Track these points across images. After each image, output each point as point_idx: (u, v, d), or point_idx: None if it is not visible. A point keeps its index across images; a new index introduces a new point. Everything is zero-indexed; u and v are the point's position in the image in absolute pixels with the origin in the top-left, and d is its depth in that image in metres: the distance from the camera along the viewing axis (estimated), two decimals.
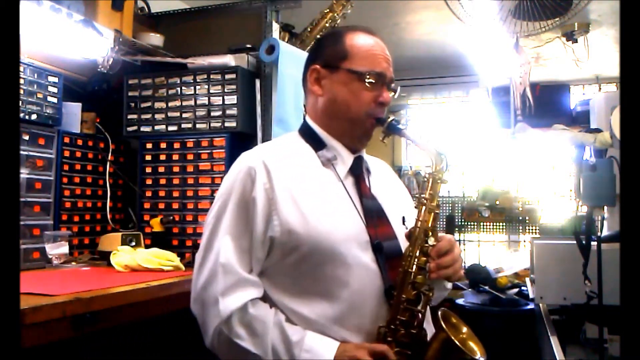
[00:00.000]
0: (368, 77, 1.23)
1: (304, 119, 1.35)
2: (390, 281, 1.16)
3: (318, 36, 2.35)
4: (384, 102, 1.25)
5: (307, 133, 1.31)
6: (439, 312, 1.15)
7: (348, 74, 1.24)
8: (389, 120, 1.24)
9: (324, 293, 1.14)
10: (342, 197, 1.22)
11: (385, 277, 1.16)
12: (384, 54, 1.28)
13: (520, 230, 3.99)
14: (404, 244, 1.23)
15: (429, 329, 1.17)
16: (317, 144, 1.28)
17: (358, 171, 1.28)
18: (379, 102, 1.25)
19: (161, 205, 2.18)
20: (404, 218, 1.29)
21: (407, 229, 1.25)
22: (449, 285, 1.32)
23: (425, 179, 1.22)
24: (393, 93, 1.29)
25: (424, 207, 1.19)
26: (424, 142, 1.25)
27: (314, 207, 1.17)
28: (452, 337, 1.11)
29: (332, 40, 1.31)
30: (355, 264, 1.15)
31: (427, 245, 1.16)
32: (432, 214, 1.19)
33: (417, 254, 1.16)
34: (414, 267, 1.15)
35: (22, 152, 1.82)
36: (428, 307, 1.18)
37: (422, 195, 1.20)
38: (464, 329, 1.17)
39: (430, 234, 1.17)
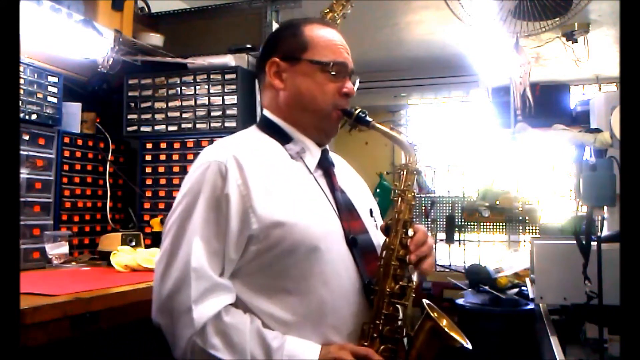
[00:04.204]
0: (331, 67, 1.21)
1: (262, 113, 1.30)
2: (367, 276, 1.14)
3: None
4: (349, 93, 1.23)
5: (269, 127, 1.25)
6: (425, 303, 1.14)
7: (310, 64, 1.21)
8: (356, 111, 1.22)
9: (302, 291, 1.09)
10: (315, 191, 1.18)
11: (363, 273, 1.14)
12: (343, 44, 1.26)
13: (520, 230, 3.99)
14: (375, 237, 1.23)
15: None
16: (282, 137, 1.23)
17: (327, 164, 1.26)
18: (344, 92, 1.23)
19: (161, 205, 2.18)
20: (371, 210, 1.28)
21: (375, 221, 1.26)
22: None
23: (400, 171, 1.22)
24: (353, 84, 1.27)
25: (400, 199, 1.18)
26: (395, 134, 1.23)
27: (291, 201, 1.12)
28: (442, 325, 1.10)
29: (289, 32, 1.27)
30: (334, 260, 1.12)
31: (405, 237, 1.15)
32: (409, 205, 1.18)
33: (397, 246, 1.14)
34: (395, 259, 1.13)
35: (22, 152, 1.82)
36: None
37: (398, 188, 1.20)
38: (444, 322, 1.15)
39: (409, 225, 1.16)
